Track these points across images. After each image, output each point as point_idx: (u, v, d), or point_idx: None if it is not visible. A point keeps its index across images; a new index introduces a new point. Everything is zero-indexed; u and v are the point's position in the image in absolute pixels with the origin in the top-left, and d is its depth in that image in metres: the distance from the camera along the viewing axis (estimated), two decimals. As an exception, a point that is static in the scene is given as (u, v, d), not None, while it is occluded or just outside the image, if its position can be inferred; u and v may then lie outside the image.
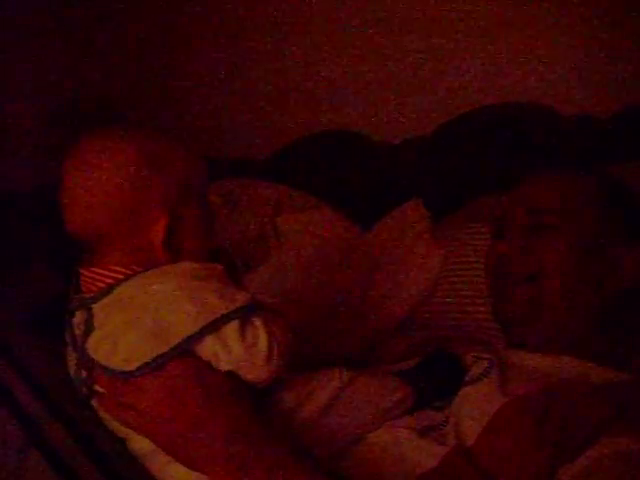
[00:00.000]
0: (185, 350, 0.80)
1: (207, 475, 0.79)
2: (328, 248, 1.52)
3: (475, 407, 0.94)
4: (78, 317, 0.85)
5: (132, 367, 0.79)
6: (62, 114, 2.04)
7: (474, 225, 1.43)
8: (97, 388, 0.84)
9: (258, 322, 0.82)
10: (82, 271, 0.86)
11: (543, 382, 0.94)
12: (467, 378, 1.00)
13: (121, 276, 0.83)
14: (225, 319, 0.80)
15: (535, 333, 1.06)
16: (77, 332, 0.85)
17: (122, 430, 0.84)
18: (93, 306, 0.83)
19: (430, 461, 0.87)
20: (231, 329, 0.80)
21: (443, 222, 1.53)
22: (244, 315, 0.81)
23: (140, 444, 0.84)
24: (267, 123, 1.97)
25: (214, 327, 0.79)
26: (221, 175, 1.66)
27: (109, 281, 0.83)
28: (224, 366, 0.81)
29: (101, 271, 0.84)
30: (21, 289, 1.10)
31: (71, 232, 0.86)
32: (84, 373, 0.85)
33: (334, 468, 0.86)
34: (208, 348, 0.80)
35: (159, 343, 0.79)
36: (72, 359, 0.87)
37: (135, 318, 0.80)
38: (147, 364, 0.79)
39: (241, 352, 0.80)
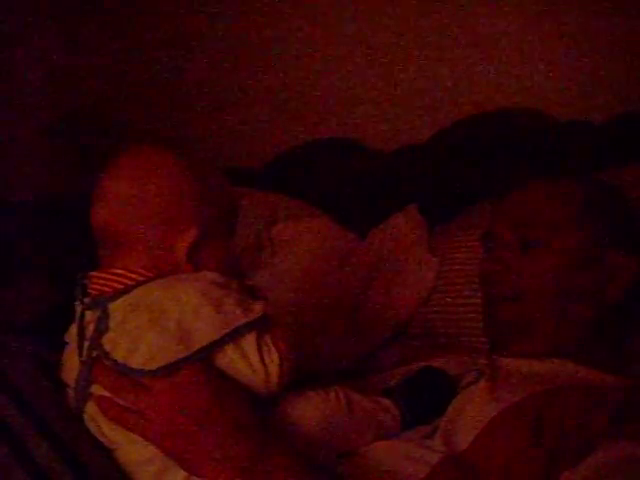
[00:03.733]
0: (205, 356, 0.81)
1: (209, 479, 0.79)
2: (323, 257, 1.52)
3: (467, 413, 0.93)
4: (88, 317, 0.86)
5: (154, 367, 0.80)
6: (61, 127, 2.05)
7: (469, 233, 1.42)
8: (95, 390, 0.84)
9: (269, 341, 0.84)
10: (94, 274, 0.87)
11: (539, 387, 0.93)
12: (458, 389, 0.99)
13: (143, 278, 0.85)
14: (244, 329, 0.82)
15: (523, 350, 1.04)
16: (86, 332, 0.85)
17: (112, 439, 0.84)
18: (109, 305, 0.84)
19: (421, 470, 0.86)
20: (249, 340, 0.83)
21: (438, 230, 1.52)
22: (260, 328, 0.84)
23: (130, 454, 0.84)
24: (263, 132, 1.97)
25: (234, 336, 0.82)
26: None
27: (128, 282, 0.85)
28: (240, 375, 0.83)
29: (120, 271, 0.85)
30: (8, 299, 1.09)
31: (99, 225, 0.88)
32: (86, 374, 0.85)
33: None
34: (227, 356, 0.82)
35: (181, 347, 0.80)
36: (71, 361, 0.87)
37: (158, 319, 0.81)
38: (169, 365, 0.80)
39: (258, 365, 0.83)
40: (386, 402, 0.95)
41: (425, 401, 0.97)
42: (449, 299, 1.39)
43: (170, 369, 0.80)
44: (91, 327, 0.85)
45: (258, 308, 0.84)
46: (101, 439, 0.85)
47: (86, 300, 0.87)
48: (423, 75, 1.76)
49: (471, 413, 0.92)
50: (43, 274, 1.19)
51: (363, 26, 1.85)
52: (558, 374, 0.99)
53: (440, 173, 1.63)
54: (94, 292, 0.87)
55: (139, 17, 2.11)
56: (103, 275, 0.87)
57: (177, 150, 0.91)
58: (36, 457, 0.74)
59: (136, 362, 0.81)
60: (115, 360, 0.82)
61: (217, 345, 0.82)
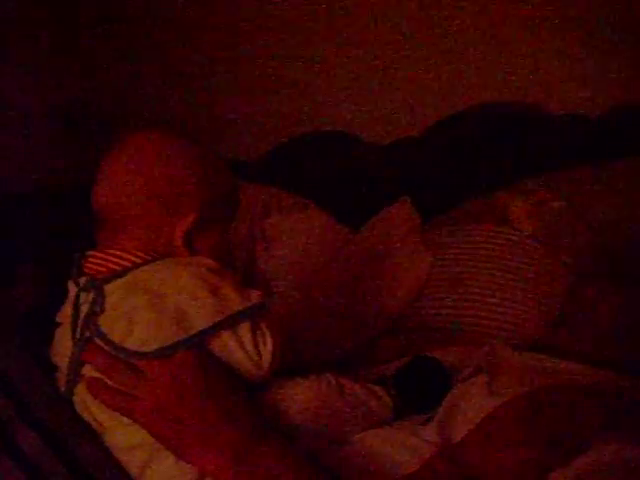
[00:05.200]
0: (201, 340, 0.81)
1: (200, 464, 0.80)
2: (316, 250, 1.52)
3: (463, 407, 0.93)
4: (83, 298, 0.86)
5: (149, 349, 0.80)
6: (75, 115, 2.04)
7: (463, 226, 1.42)
8: (87, 372, 0.84)
9: (265, 328, 0.84)
10: (93, 252, 0.87)
11: (535, 383, 0.93)
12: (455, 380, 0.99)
13: (140, 260, 0.85)
14: (241, 315, 0.82)
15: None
16: (80, 313, 0.85)
17: (102, 422, 0.84)
18: (105, 286, 0.84)
19: (412, 459, 0.86)
20: (245, 327, 0.83)
21: (432, 223, 1.52)
22: (255, 316, 0.84)
23: (119, 438, 0.84)
24: (256, 124, 1.96)
25: (231, 322, 0.82)
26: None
27: (126, 263, 0.85)
28: (233, 360, 0.83)
29: (119, 253, 0.85)
30: (6, 293, 1.09)
31: (99, 206, 0.88)
32: (78, 355, 0.84)
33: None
34: (222, 341, 0.82)
35: (178, 330, 0.80)
36: (64, 341, 0.87)
37: (155, 302, 0.81)
38: (164, 348, 0.80)
39: (252, 351, 0.83)
40: (378, 389, 0.95)
41: (418, 389, 0.97)
42: (442, 292, 1.38)
43: (166, 351, 0.80)
44: (84, 308, 0.85)
45: (255, 296, 0.85)
46: (90, 422, 0.85)
47: (81, 280, 0.87)
48: (418, 68, 1.76)
49: (468, 406, 0.92)
50: (43, 269, 1.18)
51: (358, 19, 1.84)
52: (556, 370, 1.00)
53: (435, 166, 1.63)
54: (89, 272, 0.87)
55: (139, 7, 2.11)
56: (100, 255, 0.87)
57: (179, 135, 0.91)
58: (24, 448, 0.74)
59: (132, 343, 0.81)
60: (112, 341, 0.82)
61: (213, 330, 0.82)
